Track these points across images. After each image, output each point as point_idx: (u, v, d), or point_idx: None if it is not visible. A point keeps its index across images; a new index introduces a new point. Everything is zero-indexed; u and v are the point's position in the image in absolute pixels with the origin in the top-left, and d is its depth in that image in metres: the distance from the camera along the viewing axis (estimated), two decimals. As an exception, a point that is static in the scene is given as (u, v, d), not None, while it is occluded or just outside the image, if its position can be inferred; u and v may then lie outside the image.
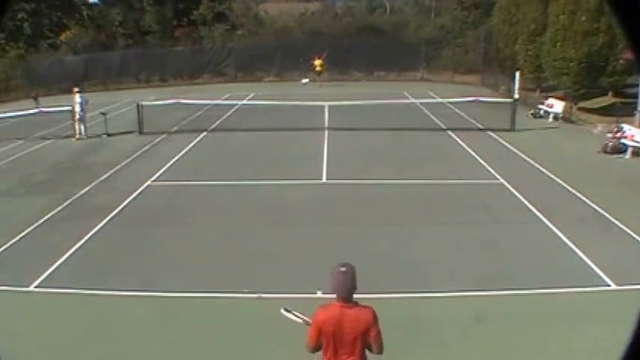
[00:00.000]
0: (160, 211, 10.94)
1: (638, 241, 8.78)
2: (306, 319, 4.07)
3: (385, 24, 40.36)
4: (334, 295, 3.81)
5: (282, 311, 4.38)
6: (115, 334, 6.45)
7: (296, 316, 4.27)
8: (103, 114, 19.11)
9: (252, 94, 27.47)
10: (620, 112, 18.14)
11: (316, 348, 3.88)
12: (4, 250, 9.01)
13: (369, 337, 3.79)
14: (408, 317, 6.60)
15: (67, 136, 18.79)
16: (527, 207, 10.56)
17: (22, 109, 21.01)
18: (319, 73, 32.23)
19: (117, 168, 14.44)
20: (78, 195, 12.04)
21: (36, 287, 7.63)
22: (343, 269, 3.77)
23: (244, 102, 24.25)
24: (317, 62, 32.18)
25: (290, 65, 35.50)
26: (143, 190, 12.36)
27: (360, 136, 17.41)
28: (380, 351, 3.85)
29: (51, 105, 21.71)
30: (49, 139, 18.72)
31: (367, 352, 3.89)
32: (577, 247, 8.50)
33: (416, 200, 11.38)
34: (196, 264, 8.42)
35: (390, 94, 24.68)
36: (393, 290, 7.23)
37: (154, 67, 36.15)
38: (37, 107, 22.28)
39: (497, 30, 28.85)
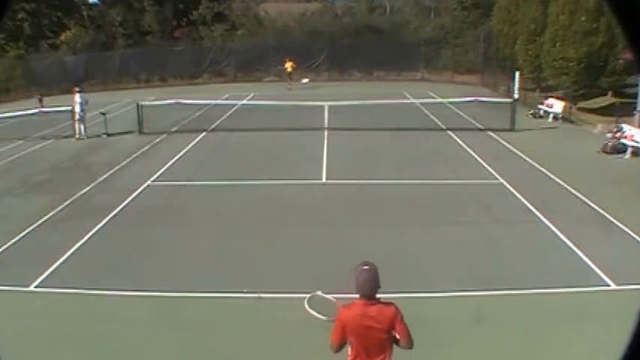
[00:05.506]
0: (160, 211, 10.94)
1: (637, 241, 8.78)
2: (330, 317, 4.00)
3: (385, 24, 40.37)
4: (358, 295, 3.78)
5: (307, 305, 4.24)
6: (115, 334, 6.44)
7: (319, 311, 4.15)
8: (103, 114, 19.13)
9: (251, 94, 27.47)
10: (619, 112, 18.13)
11: (340, 347, 3.85)
12: (5, 249, 9.02)
13: (395, 332, 3.79)
14: (408, 317, 6.57)
15: (66, 136, 18.80)
16: (527, 207, 10.57)
17: (22, 109, 21.02)
18: (290, 74, 32.18)
19: (117, 168, 14.45)
20: (78, 195, 12.04)
21: (36, 287, 7.64)
22: (366, 267, 3.75)
23: (244, 102, 24.23)
24: (288, 64, 32.19)
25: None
26: (143, 190, 12.37)
27: (359, 136, 17.41)
28: (409, 344, 3.81)
29: (51, 105, 21.72)
30: (49, 139, 18.73)
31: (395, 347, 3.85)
32: (577, 247, 8.50)
33: (416, 200, 11.38)
34: (196, 264, 8.42)
35: (389, 94, 24.67)
36: (393, 290, 7.19)
37: (153, 67, 36.20)
38: (39, 108, 22.35)
39: (496, 30, 28.85)
